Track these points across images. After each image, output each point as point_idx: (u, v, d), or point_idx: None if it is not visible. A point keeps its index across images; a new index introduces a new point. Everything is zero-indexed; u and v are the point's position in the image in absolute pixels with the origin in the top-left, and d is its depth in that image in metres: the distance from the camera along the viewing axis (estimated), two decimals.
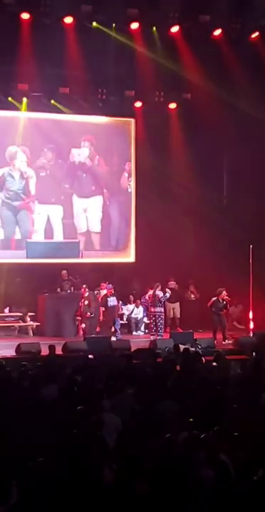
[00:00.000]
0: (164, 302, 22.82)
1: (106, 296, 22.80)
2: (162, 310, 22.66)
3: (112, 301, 22.65)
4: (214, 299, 22.13)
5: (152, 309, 22.59)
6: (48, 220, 24.85)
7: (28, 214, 24.60)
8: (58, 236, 25.01)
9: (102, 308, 22.80)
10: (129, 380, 13.04)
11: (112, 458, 8.74)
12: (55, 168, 24.92)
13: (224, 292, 22.15)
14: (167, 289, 22.92)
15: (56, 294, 23.45)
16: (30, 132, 24.53)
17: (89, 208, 25.38)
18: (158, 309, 22.48)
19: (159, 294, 22.55)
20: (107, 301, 22.61)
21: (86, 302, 22.90)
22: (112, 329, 22.63)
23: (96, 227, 25.51)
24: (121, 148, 25.86)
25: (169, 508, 7.43)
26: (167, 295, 22.72)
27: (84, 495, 7.72)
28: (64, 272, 23.78)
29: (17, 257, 24.07)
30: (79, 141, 25.19)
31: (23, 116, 24.21)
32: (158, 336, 22.05)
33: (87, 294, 23.05)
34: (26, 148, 24.35)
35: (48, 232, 24.87)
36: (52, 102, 23.83)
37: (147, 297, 23.17)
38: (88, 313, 22.79)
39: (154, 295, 22.60)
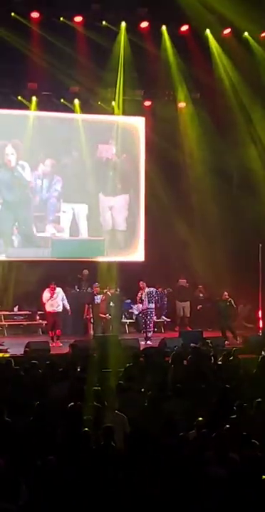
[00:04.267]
0: (155, 300, 22.35)
1: (93, 294, 22.68)
2: (152, 306, 22.17)
3: (99, 299, 22.60)
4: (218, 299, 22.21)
5: (145, 306, 22.24)
6: (74, 218, 24.71)
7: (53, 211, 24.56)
8: (83, 234, 24.89)
9: (87, 306, 22.64)
10: (137, 379, 13.04)
11: (121, 458, 8.73)
12: (80, 167, 24.74)
13: (225, 293, 22.15)
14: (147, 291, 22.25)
15: (65, 293, 23.27)
16: (52, 131, 24.41)
17: (115, 206, 25.28)
18: (150, 305, 22.13)
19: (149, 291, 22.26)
20: (94, 299, 22.56)
21: (111, 303, 22.59)
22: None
23: (121, 225, 25.37)
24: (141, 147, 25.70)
25: (180, 507, 7.42)
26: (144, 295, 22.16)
27: (93, 494, 7.71)
28: (85, 271, 23.76)
29: (40, 256, 23.96)
30: (106, 139, 25.06)
31: (33, 114, 24.05)
32: (148, 332, 21.87)
33: (110, 294, 22.72)
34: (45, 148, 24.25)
35: (74, 230, 24.76)
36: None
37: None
38: (108, 315, 22.42)
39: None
